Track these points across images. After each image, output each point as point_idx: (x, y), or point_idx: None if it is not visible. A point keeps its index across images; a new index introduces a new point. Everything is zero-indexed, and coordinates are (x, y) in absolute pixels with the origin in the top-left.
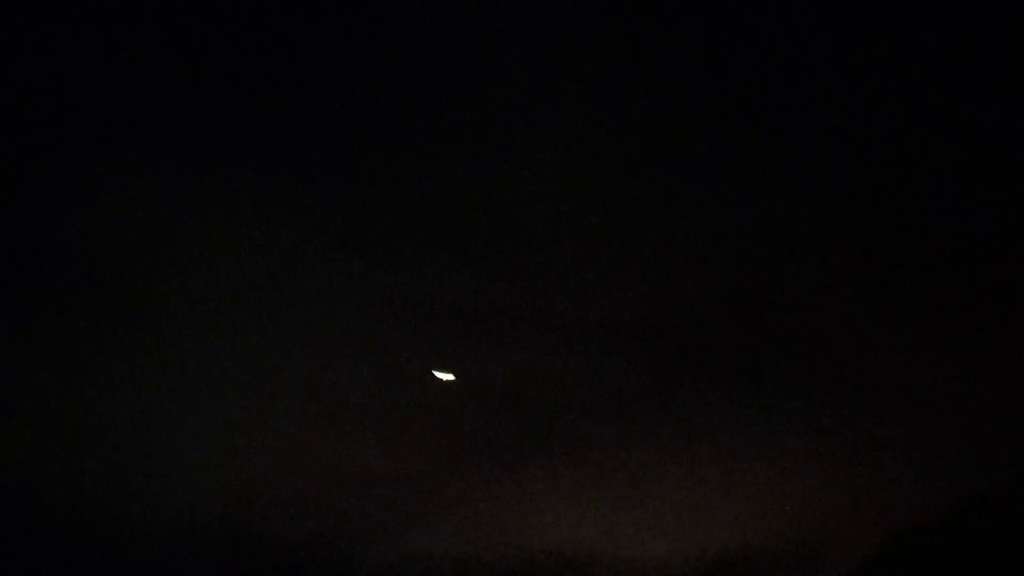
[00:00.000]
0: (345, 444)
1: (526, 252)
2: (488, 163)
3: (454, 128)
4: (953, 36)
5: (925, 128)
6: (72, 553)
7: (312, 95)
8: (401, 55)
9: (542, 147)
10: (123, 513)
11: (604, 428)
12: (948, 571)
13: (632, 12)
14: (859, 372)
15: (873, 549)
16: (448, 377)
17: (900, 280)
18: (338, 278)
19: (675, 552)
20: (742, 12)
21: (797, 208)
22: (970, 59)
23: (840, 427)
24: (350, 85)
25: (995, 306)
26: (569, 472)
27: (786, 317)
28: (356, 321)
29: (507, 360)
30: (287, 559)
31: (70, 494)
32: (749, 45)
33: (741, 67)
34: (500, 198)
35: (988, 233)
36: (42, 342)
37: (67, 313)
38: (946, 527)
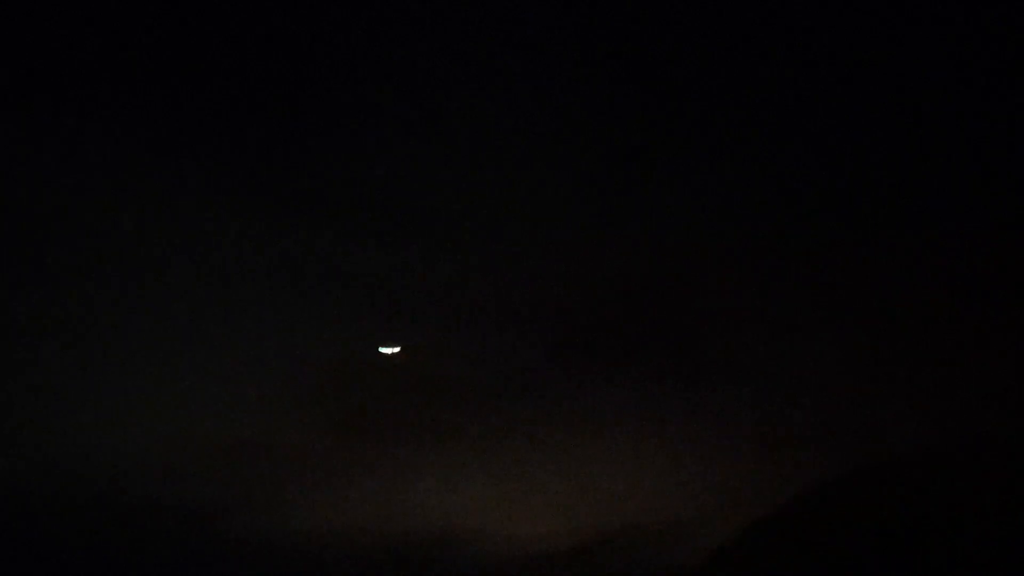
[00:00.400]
0: (231, 415)
1: (444, 236)
2: (411, 158)
3: (392, 122)
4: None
5: (812, 128)
6: None
7: (270, 79)
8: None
9: (462, 143)
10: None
11: (495, 407)
12: (804, 551)
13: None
14: (736, 366)
15: (736, 531)
16: (391, 351)
17: (779, 282)
18: (245, 243)
19: (555, 528)
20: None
21: (691, 208)
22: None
23: (716, 416)
24: (300, 67)
25: (860, 306)
26: (456, 451)
27: (675, 310)
28: (256, 290)
29: (397, 336)
30: (159, 526)
31: None
32: (653, 35)
33: (648, 64)
34: (427, 188)
35: (868, 235)
36: None
37: None
38: (803, 511)
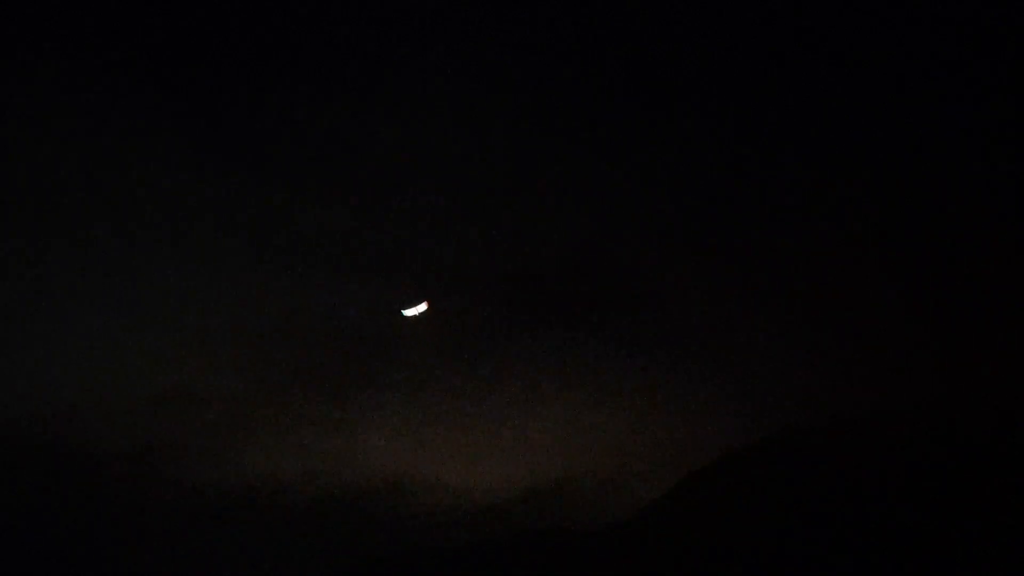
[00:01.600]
0: (166, 360)
1: (404, 198)
2: (376, 122)
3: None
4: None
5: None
6: None
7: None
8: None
9: (422, 109)
10: None
11: (446, 366)
12: (731, 505)
13: None
14: (679, 333)
15: (667, 486)
16: (418, 311)
17: (726, 251)
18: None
19: (495, 480)
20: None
21: (644, 179)
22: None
23: (657, 380)
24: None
25: (800, 273)
26: (402, 405)
27: (625, 274)
28: (216, 240)
29: (351, 288)
30: (99, 471)
31: None
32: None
33: (603, 46)
34: (389, 155)
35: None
36: None
37: None
38: (731, 467)
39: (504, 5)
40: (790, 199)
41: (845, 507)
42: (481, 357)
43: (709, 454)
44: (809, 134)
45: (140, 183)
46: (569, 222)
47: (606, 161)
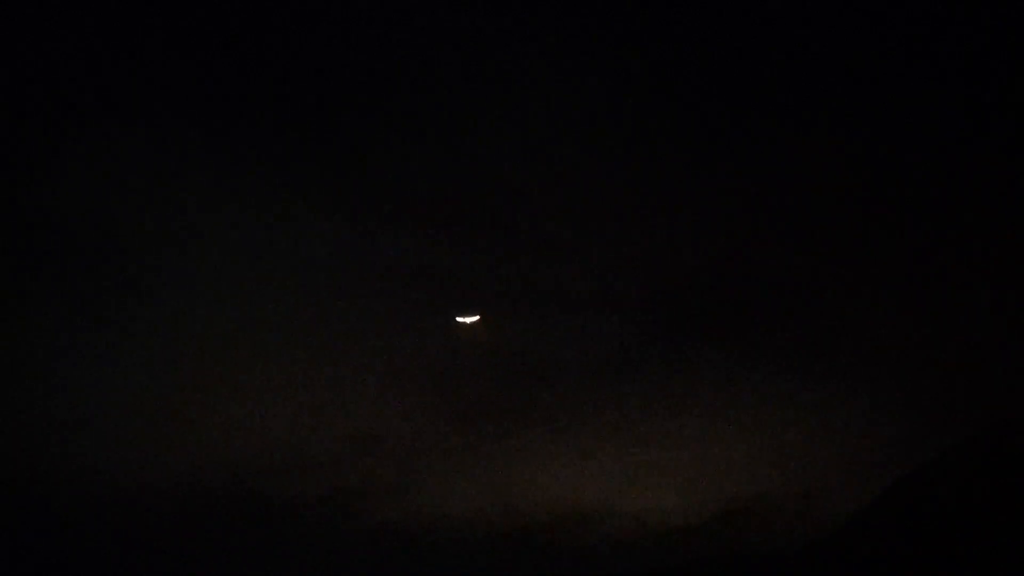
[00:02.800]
0: (355, 407)
1: (533, 226)
2: (495, 147)
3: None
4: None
5: (910, 117)
6: (91, 517)
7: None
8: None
9: (541, 129)
10: (141, 479)
11: (606, 389)
12: (940, 521)
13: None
14: (853, 332)
15: (869, 499)
16: (470, 320)
17: (885, 252)
18: (351, 250)
19: (681, 504)
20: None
21: (786, 183)
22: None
23: (836, 385)
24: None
25: (973, 280)
26: (574, 431)
27: (778, 282)
28: (370, 290)
29: (515, 326)
30: (299, 518)
31: (87, 463)
32: (741, 35)
33: (733, 53)
34: (511, 182)
35: (975, 221)
36: (52, 317)
37: (75, 285)
38: (935, 480)
39: (626, 18)
40: (948, 196)
41: None
42: (654, 380)
43: (912, 459)
44: (961, 128)
45: (316, 241)
46: (715, 233)
47: (744, 164)
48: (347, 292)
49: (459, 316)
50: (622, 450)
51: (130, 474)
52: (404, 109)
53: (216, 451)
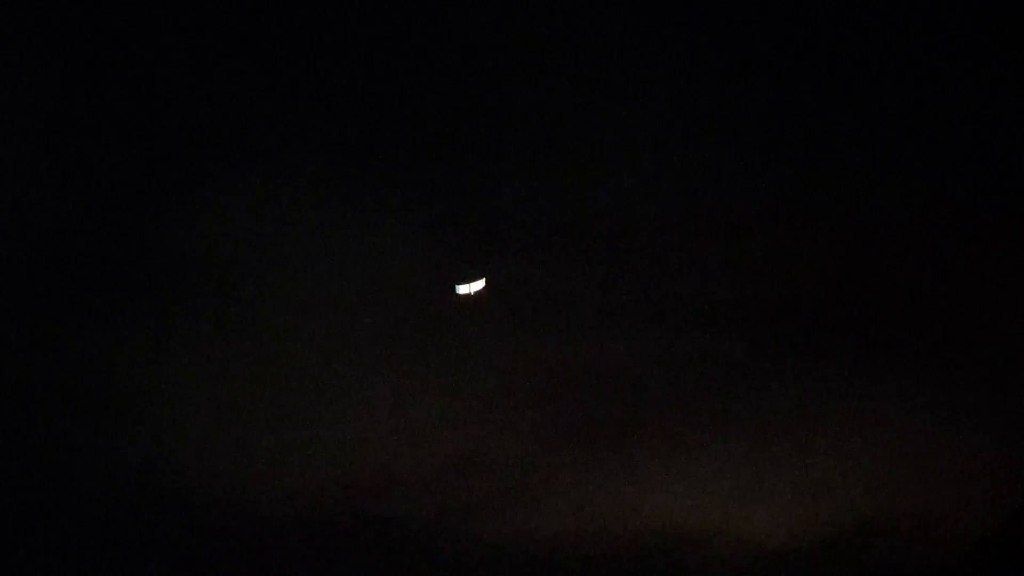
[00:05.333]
0: (455, 426)
1: (630, 240)
2: (590, 155)
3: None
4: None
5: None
6: (202, 537)
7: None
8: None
9: (638, 137)
10: (251, 498)
11: (712, 405)
12: None
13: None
14: (987, 344)
15: (997, 523)
16: (473, 288)
17: (1006, 263)
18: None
19: (792, 525)
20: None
21: (896, 191)
22: None
23: (964, 400)
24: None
25: None
26: (679, 449)
27: (903, 290)
28: (471, 311)
29: (616, 344)
30: (405, 537)
31: (201, 482)
32: (835, 35)
33: (833, 58)
34: (608, 193)
35: None
36: (172, 337)
37: (190, 308)
38: None
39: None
40: None
41: None
42: (763, 395)
43: None
44: None
45: (397, 257)
46: (821, 243)
47: (861, 162)
48: (449, 312)
49: (459, 285)
50: (730, 468)
51: (240, 494)
52: (508, 129)
53: (325, 471)
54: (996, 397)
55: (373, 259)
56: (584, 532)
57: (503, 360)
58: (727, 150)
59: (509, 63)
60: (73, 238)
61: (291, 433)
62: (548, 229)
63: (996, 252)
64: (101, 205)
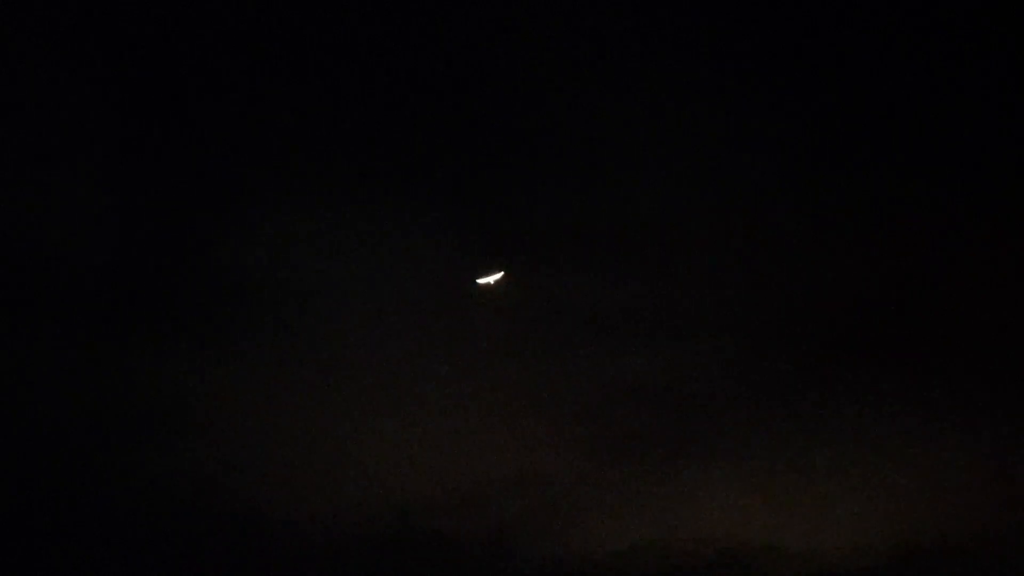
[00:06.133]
0: (508, 442)
1: (678, 254)
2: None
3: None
4: None
5: None
6: (256, 555)
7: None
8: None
9: (679, 148)
10: (300, 516)
11: (762, 419)
12: None
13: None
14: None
15: None
16: (493, 279)
17: None
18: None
19: (852, 543)
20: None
21: (944, 205)
22: None
23: (1012, 424)
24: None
25: None
26: (731, 465)
27: (954, 299)
28: (521, 328)
29: (663, 357)
30: (457, 556)
31: (254, 501)
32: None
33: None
34: (650, 205)
35: None
36: (216, 357)
37: (236, 328)
38: None
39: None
40: None
41: None
42: (814, 409)
43: None
44: None
45: (446, 273)
46: (869, 258)
47: (899, 169)
48: (497, 331)
49: (480, 278)
50: (785, 485)
51: (293, 513)
52: (555, 152)
53: (376, 489)
54: None
55: (422, 276)
56: (638, 550)
57: (550, 376)
58: (769, 162)
59: (546, 69)
60: (129, 265)
61: (342, 452)
62: (591, 243)
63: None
64: (153, 234)
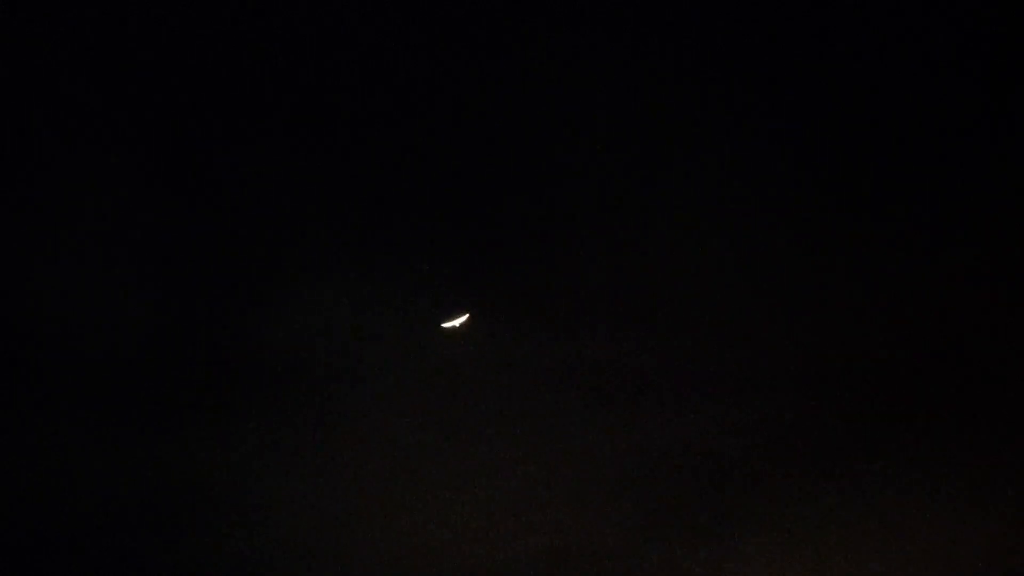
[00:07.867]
0: (543, 517)
1: (707, 310)
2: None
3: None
4: None
5: None
6: None
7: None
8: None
9: (706, 203)
10: None
11: (798, 482)
12: None
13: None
14: None
15: None
16: (458, 322)
17: None
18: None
19: None
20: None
21: (974, 228)
22: None
23: None
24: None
25: None
26: (772, 534)
27: (982, 347)
28: (551, 394)
29: (706, 420)
30: None
31: None
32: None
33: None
34: (675, 265)
35: None
36: (259, 436)
37: (275, 409)
38: None
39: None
40: None
41: None
42: (852, 469)
43: None
44: None
45: (502, 347)
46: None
47: (916, 212)
48: (537, 397)
49: (444, 322)
50: (834, 552)
51: None
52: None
53: (410, 564)
54: None
55: (449, 344)
56: None
57: (589, 444)
58: (809, 208)
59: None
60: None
61: (370, 529)
62: (626, 307)
63: None
64: (187, 311)
